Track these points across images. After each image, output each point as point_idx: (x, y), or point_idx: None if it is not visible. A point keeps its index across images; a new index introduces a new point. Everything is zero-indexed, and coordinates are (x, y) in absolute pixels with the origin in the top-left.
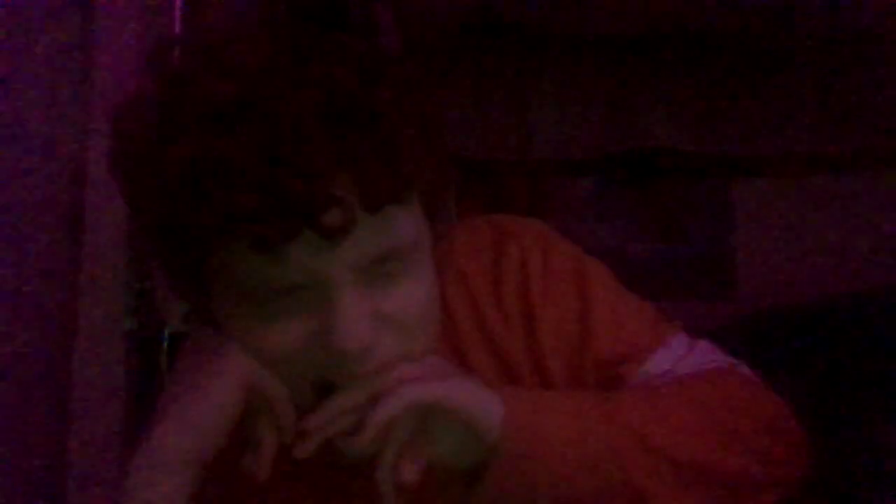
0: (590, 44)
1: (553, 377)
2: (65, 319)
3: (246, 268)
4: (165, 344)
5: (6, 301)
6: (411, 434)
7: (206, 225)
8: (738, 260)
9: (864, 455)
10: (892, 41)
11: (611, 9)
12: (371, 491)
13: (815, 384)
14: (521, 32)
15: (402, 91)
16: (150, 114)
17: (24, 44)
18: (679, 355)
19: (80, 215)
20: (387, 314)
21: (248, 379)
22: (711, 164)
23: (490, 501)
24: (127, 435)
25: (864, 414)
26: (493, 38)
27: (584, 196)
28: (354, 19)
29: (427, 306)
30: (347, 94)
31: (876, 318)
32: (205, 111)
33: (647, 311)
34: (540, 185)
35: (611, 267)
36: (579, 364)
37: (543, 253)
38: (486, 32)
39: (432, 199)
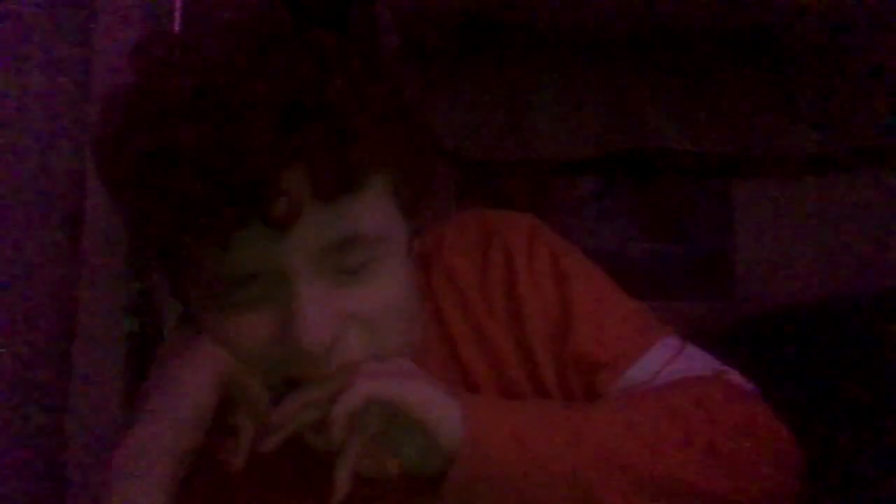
0: (589, 44)
1: (543, 374)
2: (65, 319)
3: (207, 259)
4: None
5: (6, 301)
6: (378, 432)
7: (163, 215)
8: (738, 260)
9: (865, 457)
10: (892, 41)
11: (611, 9)
12: (353, 486)
13: (815, 387)
14: (521, 32)
15: (361, 81)
16: (120, 106)
17: (24, 44)
18: (664, 361)
19: (80, 215)
20: (354, 312)
21: (221, 371)
22: (711, 164)
23: None
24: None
25: (865, 416)
26: (493, 38)
27: (584, 196)
28: (354, 19)
29: (399, 303)
30: (299, 84)
31: (877, 320)
32: (165, 103)
33: (633, 314)
34: (540, 185)
35: (611, 267)
36: (564, 365)
37: (529, 250)
38: (485, 32)
39: (407, 191)
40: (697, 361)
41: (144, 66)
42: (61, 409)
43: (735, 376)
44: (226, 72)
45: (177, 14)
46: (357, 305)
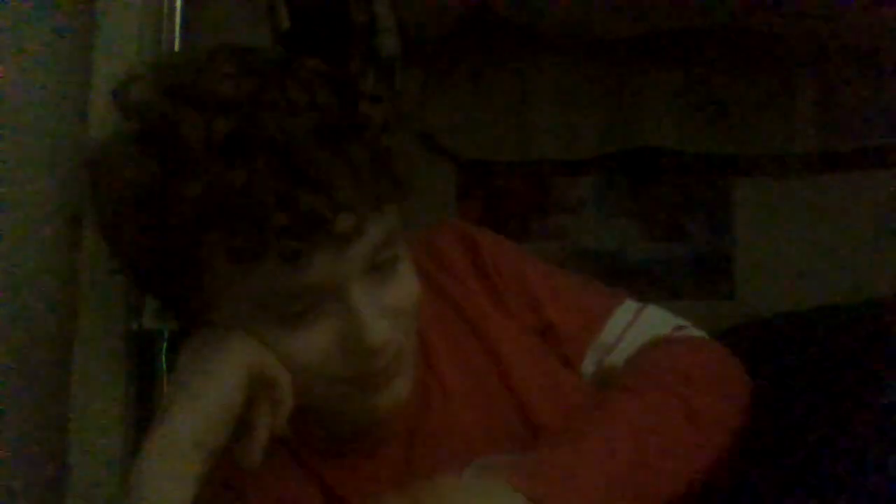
0: (590, 43)
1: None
2: (65, 319)
3: (267, 280)
4: (165, 344)
5: (6, 301)
6: None
7: (237, 249)
8: (738, 260)
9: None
10: (892, 40)
11: (610, 9)
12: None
13: (816, 391)
14: (521, 32)
15: (374, 102)
16: (144, 157)
17: (24, 44)
18: (626, 323)
19: (80, 215)
20: (390, 306)
21: (252, 362)
22: (711, 164)
23: None
24: (127, 435)
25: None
26: (493, 37)
27: (584, 196)
28: (355, 20)
29: (419, 293)
30: (334, 114)
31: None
32: (207, 148)
33: (587, 289)
34: (540, 185)
35: (611, 267)
36: (542, 333)
37: (494, 249)
38: (485, 32)
39: (408, 186)
40: (657, 319)
41: (147, 113)
42: (62, 409)
43: (692, 330)
44: (259, 111)
45: (177, 16)
46: (391, 300)
